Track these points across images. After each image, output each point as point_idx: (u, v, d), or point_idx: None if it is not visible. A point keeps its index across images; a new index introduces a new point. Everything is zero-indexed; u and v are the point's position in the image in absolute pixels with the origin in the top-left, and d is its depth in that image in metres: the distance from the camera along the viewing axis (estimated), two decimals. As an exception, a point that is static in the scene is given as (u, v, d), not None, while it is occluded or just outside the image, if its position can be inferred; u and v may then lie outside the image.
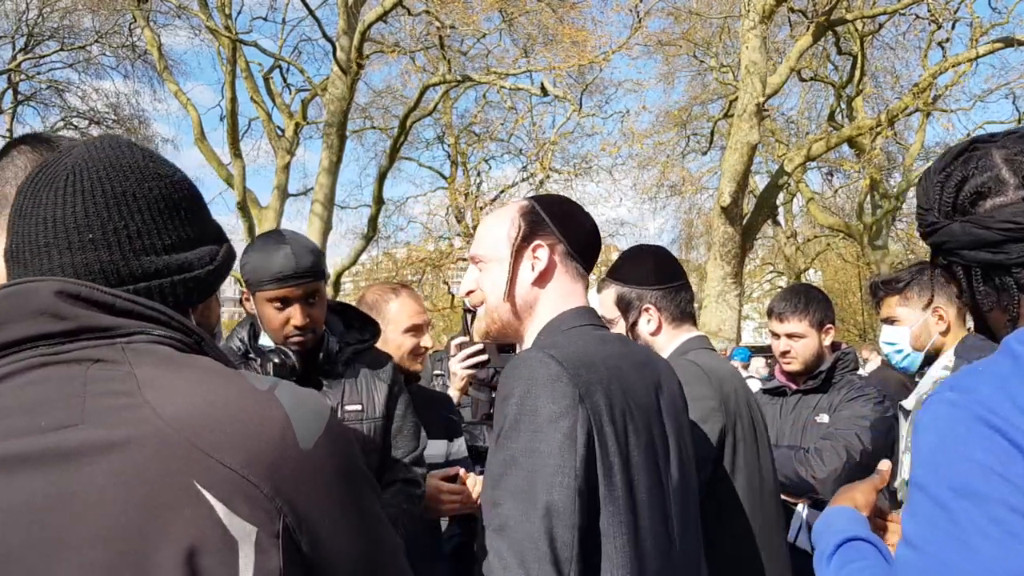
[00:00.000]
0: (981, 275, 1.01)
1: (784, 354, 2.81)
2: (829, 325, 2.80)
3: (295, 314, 1.87)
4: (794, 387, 2.86)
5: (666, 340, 2.06)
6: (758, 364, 10.59)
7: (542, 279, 1.43)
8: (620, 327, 2.07)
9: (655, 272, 2.06)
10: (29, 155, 1.25)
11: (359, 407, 1.97)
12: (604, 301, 2.11)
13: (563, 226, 1.45)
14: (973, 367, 0.96)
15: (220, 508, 0.75)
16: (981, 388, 0.91)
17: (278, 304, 1.88)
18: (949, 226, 1.02)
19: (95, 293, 0.83)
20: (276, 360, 1.88)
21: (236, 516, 0.75)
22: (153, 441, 0.76)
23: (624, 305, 2.07)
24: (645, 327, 2.05)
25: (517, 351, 2.30)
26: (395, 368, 2.10)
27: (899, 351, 2.45)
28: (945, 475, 0.89)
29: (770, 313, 2.87)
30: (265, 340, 2.01)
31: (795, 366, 2.80)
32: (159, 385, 0.79)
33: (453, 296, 20.72)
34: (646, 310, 2.04)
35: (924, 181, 1.08)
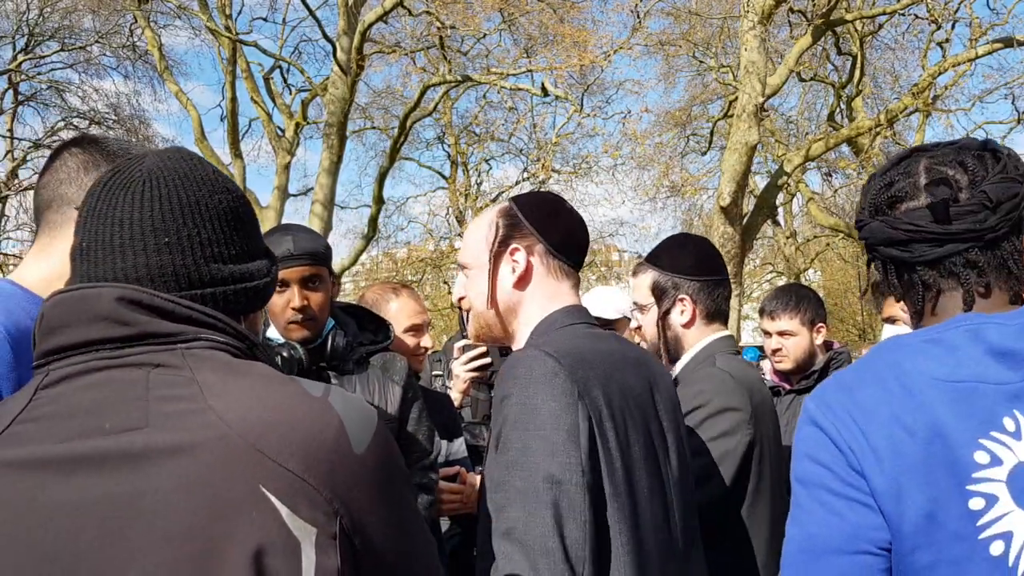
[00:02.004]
0: (895, 271, 1.13)
1: (776, 352, 2.83)
2: (821, 324, 2.81)
3: (292, 296, 1.88)
4: (787, 387, 2.88)
5: (696, 335, 2.00)
6: (767, 365, 10.58)
7: (522, 281, 1.43)
8: (652, 314, 2.03)
9: (696, 263, 2.00)
10: (80, 156, 1.30)
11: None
12: (638, 286, 2.06)
13: (541, 225, 1.44)
14: (835, 375, 1.15)
15: (284, 511, 0.78)
16: (826, 394, 1.09)
17: (278, 287, 1.89)
18: (870, 224, 1.13)
19: (155, 299, 0.85)
20: (284, 354, 1.90)
21: (298, 518, 0.78)
22: (219, 446, 0.78)
23: (659, 292, 2.01)
24: (677, 318, 2.00)
25: (516, 353, 2.31)
26: (410, 372, 2.11)
27: (899, 350, 2.46)
28: (793, 468, 1.09)
29: (762, 312, 2.89)
30: (273, 333, 2.03)
31: (786, 364, 2.81)
32: (221, 391, 0.82)
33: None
34: (681, 300, 1.98)
35: (867, 183, 1.19)
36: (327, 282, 1.97)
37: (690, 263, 2.00)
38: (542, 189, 19.18)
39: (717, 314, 2.02)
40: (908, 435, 0.99)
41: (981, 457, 0.97)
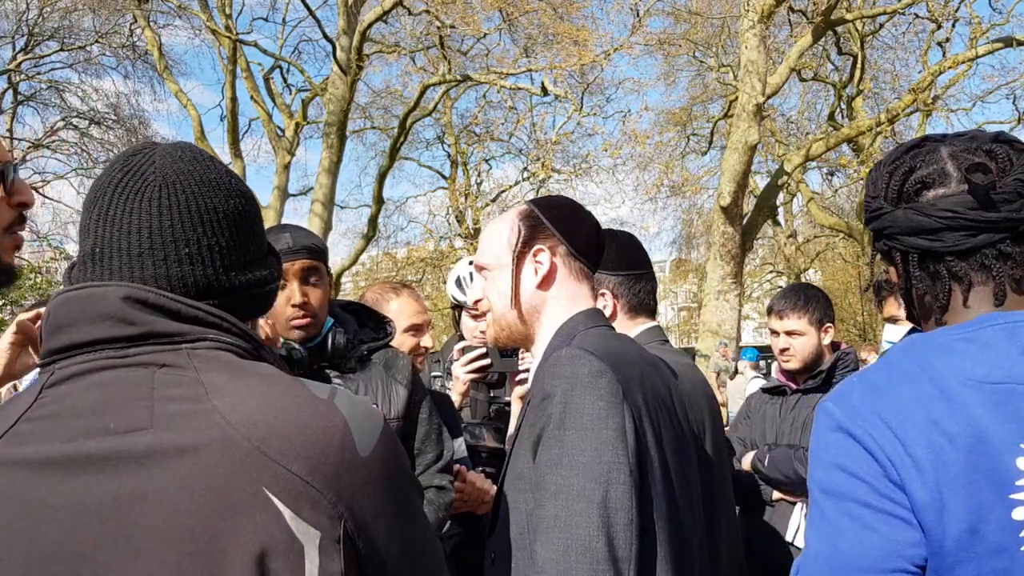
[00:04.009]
0: (917, 261, 1.06)
1: (783, 352, 2.82)
2: (828, 324, 2.81)
3: (293, 291, 1.86)
4: (794, 386, 2.87)
5: (621, 330, 1.97)
6: (775, 366, 10.56)
7: (545, 283, 1.43)
8: None
9: (616, 258, 1.99)
10: None
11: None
12: None
13: (563, 227, 1.44)
14: (857, 375, 1.07)
15: (288, 513, 0.77)
16: (852, 397, 1.02)
17: None
18: (893, 212, 1.06)
19: (161, 299, 0.85)
20: (284, 354, 1.87)
21: (302, 521, 0.78)
22: (223, 447, 0.78)
23: None
24: None
25: (520, 354, 2.30)
26: (414, 370, 2.08)
27: (901, 350, 2.45)
28: (816, 477, 1.02)
29: (770, 311, 2.88)
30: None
31: (793, 364, 2.80)
32: (226, 392, 0.81)
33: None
34: (602, 295, 1.99)
35: (874, 171, 1.12)
36: (326, 278, 1.95)
37: (610, 258, 1.97)
38: (542, 189, 19.19)
39: (641, 308, 2.01)
40: (948, 442, 0.93)
41: (1023, 463, 0.91)
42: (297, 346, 1.89)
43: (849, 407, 1.00)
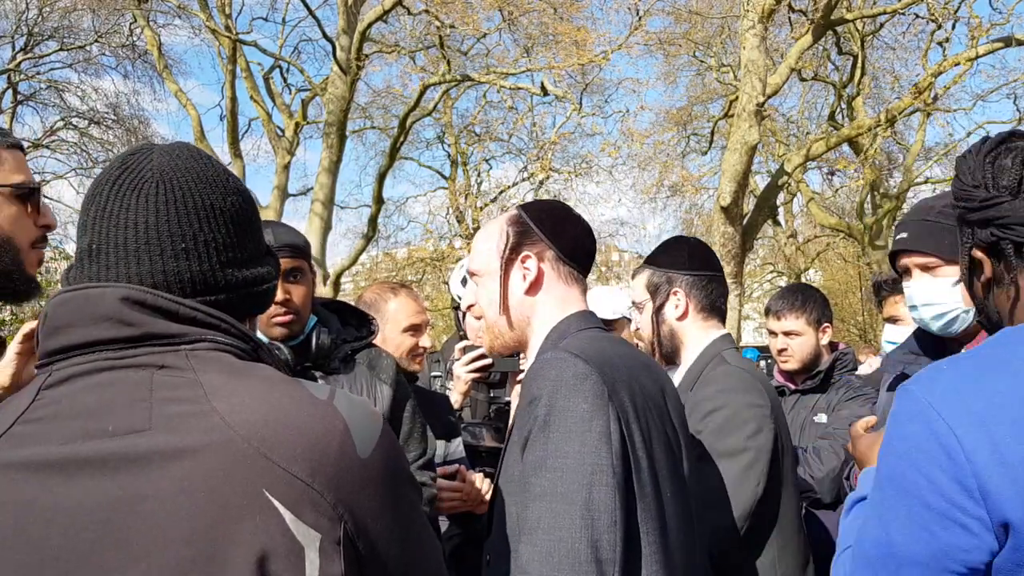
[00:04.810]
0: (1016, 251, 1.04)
1: (781, 352, 2.82)
2: (826, 324, 2.81)
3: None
4: (792, 387, 2.87)
5: (694, 330, 2.03)
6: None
7: (534, 288, 1.44)
8: (648, 311, 2.06)
9: (688, 259, 2.05)
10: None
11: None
12: (636, 285, 2.11)
13: (552, 232, 1.45)
14: (947, 361, 1.01)
15: (288, 516, 0.77)
16: (941, 384, 0.96)
17: None
18: (1012, 202, 1.05)
19: (160, 300, 0.84)
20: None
21: (303, 523, 0.78)
22: (223, 449, 0.78)
23: (653, 288, 2.05)
24: (672, 312, 2.03)
25: (520, 355, 2.30)
26: (397, 369, 2.07)
27: (901, 350, 2.44)
28: (886, 463, 0.99)
29: (768, 311, 2.89)
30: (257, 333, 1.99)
31: (792, 364, 2.80)
32: (225, 393, 0.81)
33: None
34: (674, 293, 2.03)
35: (968, 163, 1.11)
36: (308, 276, 1.93)
37: (683, 259, 2.04)
38: (541, 189, 19.20)
39: (713, 310, 2.04)
40: None
41: None
42: (283, 347, 1.88)
43: (936, 396, 0.94)
